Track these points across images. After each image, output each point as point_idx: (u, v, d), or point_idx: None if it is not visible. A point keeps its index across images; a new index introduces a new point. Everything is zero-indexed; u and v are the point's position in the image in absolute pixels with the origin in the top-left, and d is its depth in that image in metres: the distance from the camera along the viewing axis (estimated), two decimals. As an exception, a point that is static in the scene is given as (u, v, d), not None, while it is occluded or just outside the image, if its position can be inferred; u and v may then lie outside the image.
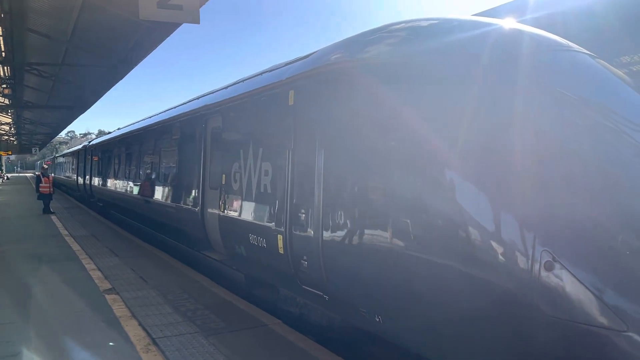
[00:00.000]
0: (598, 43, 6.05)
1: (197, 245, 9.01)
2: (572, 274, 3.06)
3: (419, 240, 3.86)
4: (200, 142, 8.55)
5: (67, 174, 34.64)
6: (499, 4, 9.09)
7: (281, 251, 5.64)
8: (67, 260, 10.09)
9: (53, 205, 20.51)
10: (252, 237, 6.37)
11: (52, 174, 30.17)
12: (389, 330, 4.50)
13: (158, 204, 11.20)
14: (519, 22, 4.88)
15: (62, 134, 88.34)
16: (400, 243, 4.00)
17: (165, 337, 5.55)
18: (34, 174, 59.47)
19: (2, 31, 13.77)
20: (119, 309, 6.65)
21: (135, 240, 12.97)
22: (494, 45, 4.16)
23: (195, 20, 6.73)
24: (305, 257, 5.22)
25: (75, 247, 11.74)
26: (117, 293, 7.46)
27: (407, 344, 4.48)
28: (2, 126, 43.68)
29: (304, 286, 5.45)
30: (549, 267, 3.12)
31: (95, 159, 21.25)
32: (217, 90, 9.02)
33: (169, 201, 10.36)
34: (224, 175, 7.38)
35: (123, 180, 15.24)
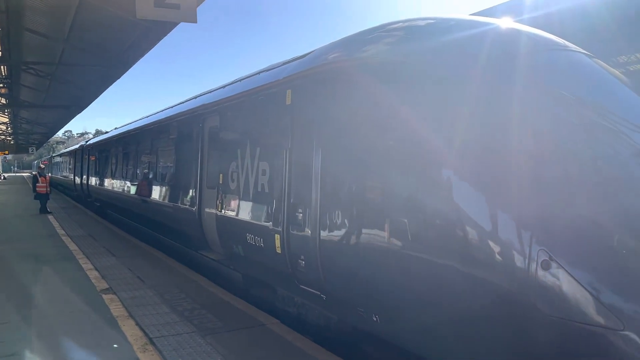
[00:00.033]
0: (595, 43, 6.07)
1: (194, 245, 9.00)
2: (568, 273, 3.07)
3: (416, 239, 3.87)
4: (197, 141, 8.54)
5: (64, 174, 34.57)
6: (497, 3, 9.10)
7: (278, 251, 5.63)
8: (64, 260, 10.07)
9: (50, 205, 20.48)
10: (249, 236, 6.36)
11: (49, 174, 30.11)
12: (386, 329, 4.50)
13: (155, 203, 11.18)
14: (516, 21, 4.88)
15: (59, 133, 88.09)
16: (398, 242, 4.00)
17: (163, 337, 5.54)
18: (31, 173, 59.30)
19: (-1, 30, 13.73)
20: (116, 309, 6.64)
21: (132, 240, 12.95)
22: (491, 44, 4.17)
23: (192, 19, 6.72)
24: (302, 257, 5.21)
25: (72, 247, 11.72)
26: (114, 293, 7.45)
27: (404, 344, 4.48)
28: (-1, 125, 43.56)
29: (301, 286, 5.45)
30: (545, 267, 3.12)
31: (92, 158, 21.20)
32: (215, 90, 9.01)
33: (166, 201, 10.35)
34: (221, 175, 7.37)
35: (120, 180, 15.21)
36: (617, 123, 4.01)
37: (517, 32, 4.45)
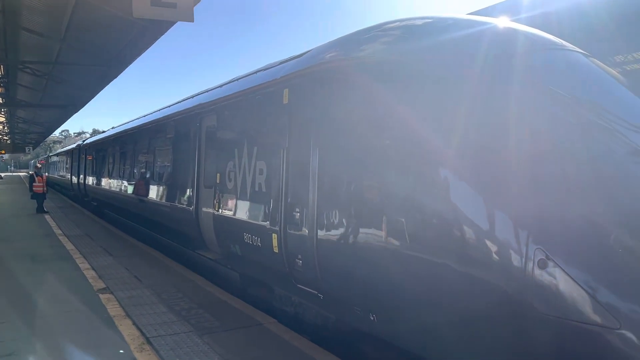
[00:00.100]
0: (592, 42, 6.08)
1: (191, 245, 8.99)
2: (565, 272, 3.07)
3: (412, 239, 3.87)
4: (194, 140, 8.53)
5: (61, 173, 34.47)
6: (494, 3, 9.10)
7: (276, 250, 5.63)
8: (61, 260, 10.05)
9: (47, 204, 20.42)
10: (246, 236, 6.36)
11: (46, 173, 30.02)
12: (384, 328, 4.50)
13: (152, 203, 11.16)
14: (513, 21, 4.89)
15: (56, 133, 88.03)
16: (394, 242, 4.00)
17: (160, 337, 5.54)
18: (28, 173, 59.12)
19: (-5, 29, 13.66)
20: (113, 309, 6.62)
21: (129, 239, 12.92)
22: (488, 44, 4.17)
23: (189, 18, 6.70)
24: (299, 256, 5.21)
25: (69, 246, 11.68)
26: (111, 292, 7.44)
27: (401, 343, 4.49)
28: (-4, 125, 43.43)
29: (298, 285, 5.44)
30: (542, 265, 3.13)
31: (90, 158, 21.17)
32: (212, 89, 9.00)
33: (163, 200, 10.33)
34: (218, 174, 7.36)
35: (117, 179, 15.19)
36: (614, 122, 4.01)
37: (515, 32, 4.45)
